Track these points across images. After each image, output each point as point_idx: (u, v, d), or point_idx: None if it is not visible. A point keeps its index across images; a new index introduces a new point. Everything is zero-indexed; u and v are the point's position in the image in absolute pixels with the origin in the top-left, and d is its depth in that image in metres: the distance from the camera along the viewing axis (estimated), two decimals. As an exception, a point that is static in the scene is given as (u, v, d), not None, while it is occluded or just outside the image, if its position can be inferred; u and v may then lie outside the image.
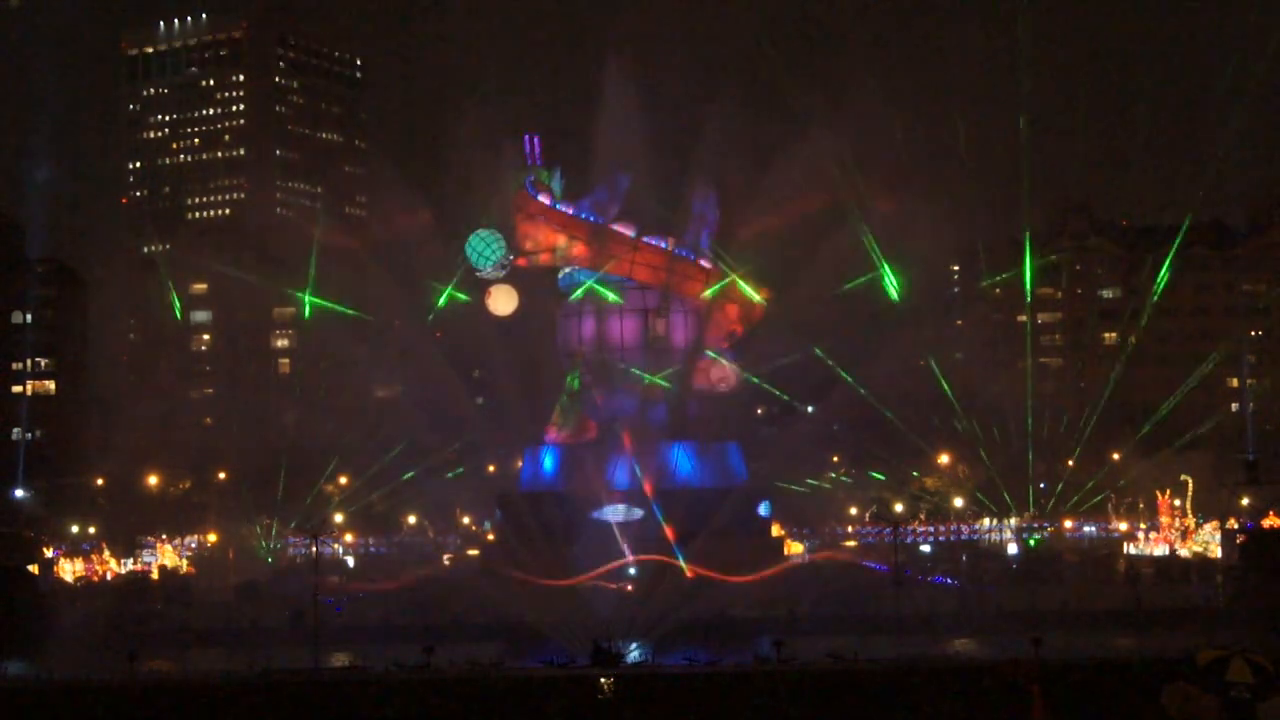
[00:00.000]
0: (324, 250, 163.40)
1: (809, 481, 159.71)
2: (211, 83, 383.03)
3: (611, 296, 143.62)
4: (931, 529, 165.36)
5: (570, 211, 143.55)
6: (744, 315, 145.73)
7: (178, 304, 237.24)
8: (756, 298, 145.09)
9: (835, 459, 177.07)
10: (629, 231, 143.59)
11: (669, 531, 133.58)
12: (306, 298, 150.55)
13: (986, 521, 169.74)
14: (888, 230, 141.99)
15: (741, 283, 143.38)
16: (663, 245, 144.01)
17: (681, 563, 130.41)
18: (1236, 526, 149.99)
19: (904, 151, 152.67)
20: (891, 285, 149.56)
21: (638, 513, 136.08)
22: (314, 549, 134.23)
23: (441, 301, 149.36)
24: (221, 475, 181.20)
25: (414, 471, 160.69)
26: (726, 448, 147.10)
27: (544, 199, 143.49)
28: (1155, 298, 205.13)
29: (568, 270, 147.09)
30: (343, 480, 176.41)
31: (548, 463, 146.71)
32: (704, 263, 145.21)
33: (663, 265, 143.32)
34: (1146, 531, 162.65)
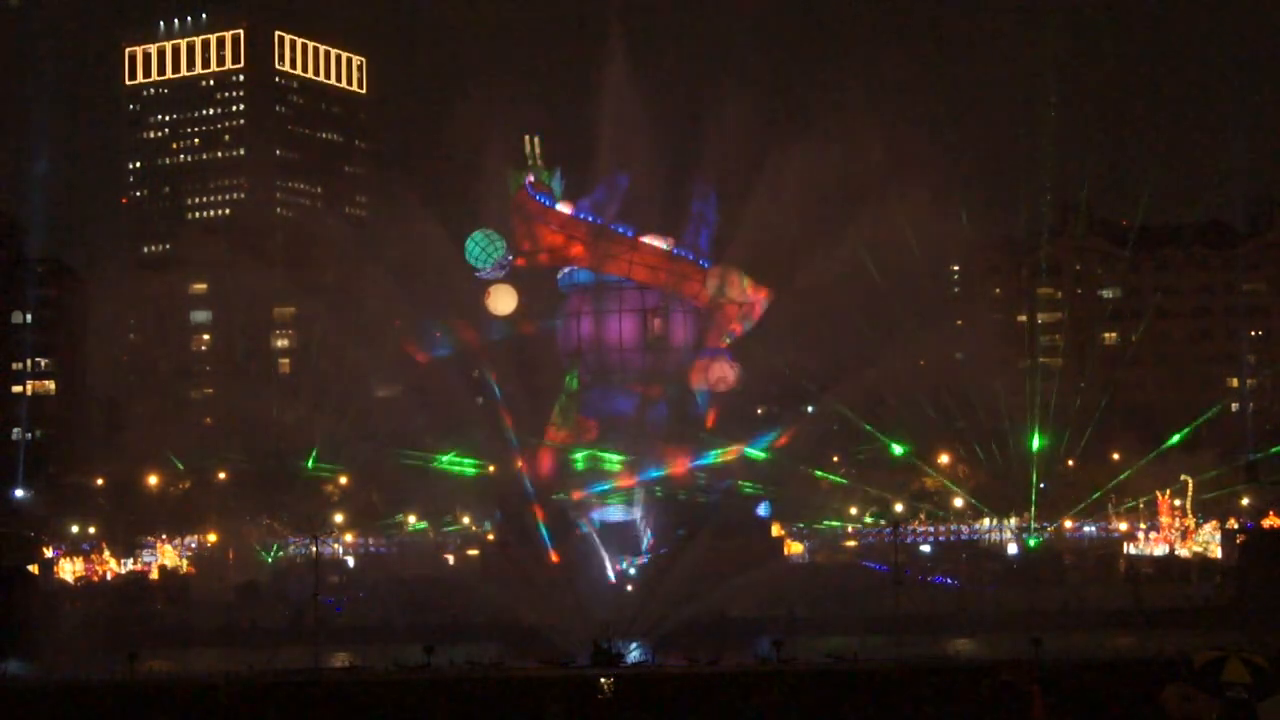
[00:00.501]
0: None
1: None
2: (211, 83, 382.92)
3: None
4: (931, 529, 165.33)
5: (569, 212, 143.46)
6: (742, 315, 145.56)
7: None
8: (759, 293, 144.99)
9: (835, 459, 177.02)
10: (627, 232, 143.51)
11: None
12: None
13: (986, 521, 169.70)
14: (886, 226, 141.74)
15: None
16: (661, 245, 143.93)
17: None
18: (1236, 526, 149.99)
19: (904, 150, 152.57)
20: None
21: (636, 513, 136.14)
22: (314, 549, 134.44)
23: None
24: (221, 475, 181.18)
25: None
26: (725, 448, 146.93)
27: (544, 199, 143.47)
28: (1156, 291, 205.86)
29: (567, 270, 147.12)
30: (343, 480, 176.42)
31: (548, 463, 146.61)
32: (703, 262, 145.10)
33: (661, 265, 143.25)
34: (1146, 531, 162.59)
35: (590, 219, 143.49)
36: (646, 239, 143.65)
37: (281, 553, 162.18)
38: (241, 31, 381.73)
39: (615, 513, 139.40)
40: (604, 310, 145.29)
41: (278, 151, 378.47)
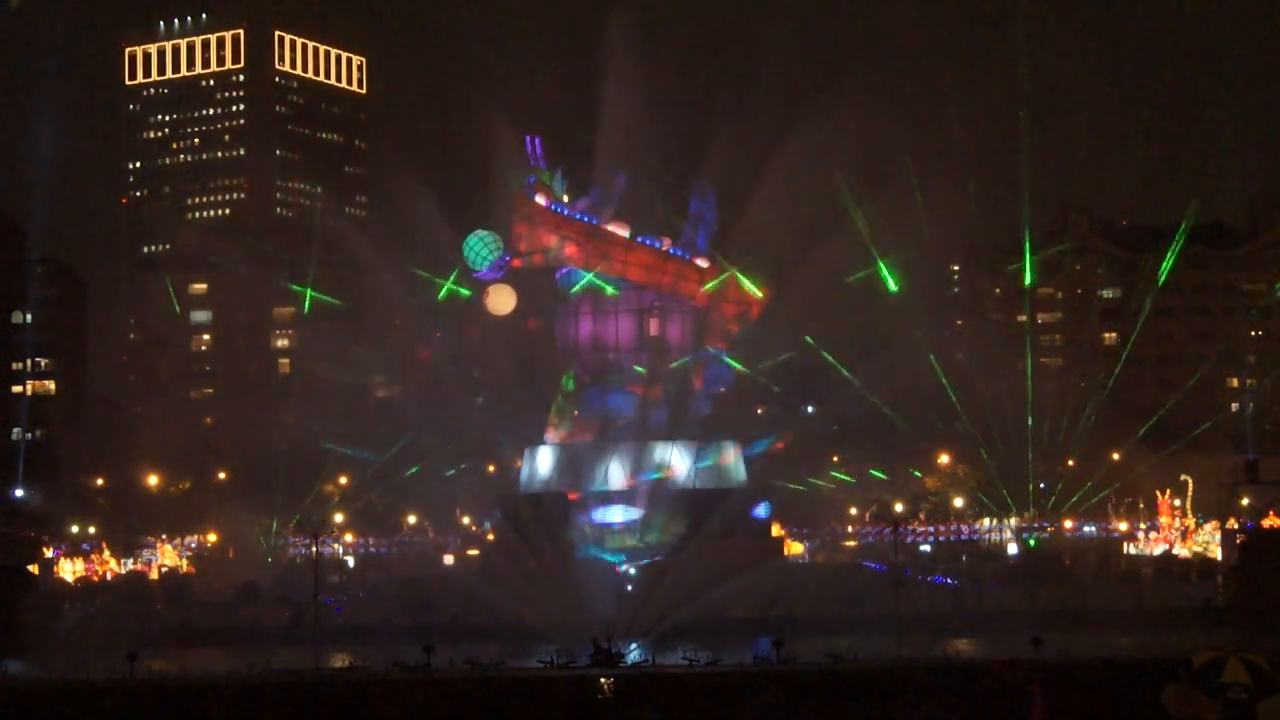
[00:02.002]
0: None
1: (810, 480, 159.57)
2: (211, 83, 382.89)
3: (609, 290, 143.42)
4: (931, 529, 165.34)
5: (566, 213, 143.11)
6: (740, 314, 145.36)
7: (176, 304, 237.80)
8: (757, 293, 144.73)
9: (835, 459, 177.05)
10: (623, 232, 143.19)
11: None
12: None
13: (986, 521, 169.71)
14: (887, 224, 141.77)
15: (741, 277, 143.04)
16: (657, 245, 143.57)
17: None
18: (1236, 526, 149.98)
19: (905, 149, 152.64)
20: (890, 278, 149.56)
21: (635, 513, 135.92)
22: (314, 549, 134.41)
23: (441, 294, 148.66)
24: (221, 475, 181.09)
25: (417, 468, 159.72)
26: (724, 448, 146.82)
27: (544, 200, 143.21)
28: (1156, 291, 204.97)
29: (565, 270, 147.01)
30: (343, 480, 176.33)
31: (547, 463, 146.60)
32: (700, 261, 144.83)
33: (656, 265, 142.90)
34: (1146, 531, 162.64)
35: (588, 219, 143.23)
36: (641, 239, 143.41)
37: (279, 547, 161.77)
38: (241, 31, 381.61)
39: (616, 514, 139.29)
40: (601, 310, 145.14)
41: (278, 151, 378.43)
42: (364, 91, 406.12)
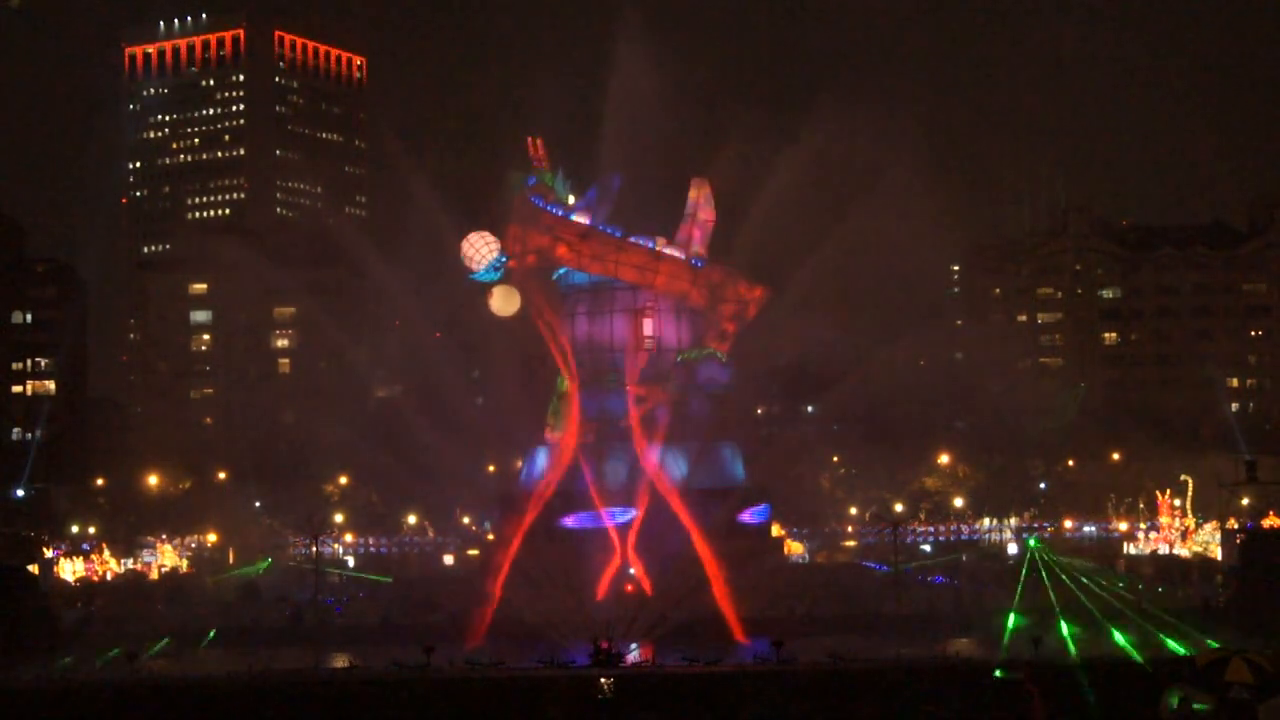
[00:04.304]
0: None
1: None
2: (211, 83, 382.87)
3: None
4: (931, 529, 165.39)
5: (562, 214, 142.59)
6: (738, 314, 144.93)
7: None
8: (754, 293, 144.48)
9: (835, 459, 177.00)
10: (614, 231, 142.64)
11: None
12: None
13: (986, 521, 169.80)
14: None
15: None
16: (651, 245, 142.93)
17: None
18: (1236, 526, 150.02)
19: (905, 148, 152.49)
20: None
21: (633, 513, 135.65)
22: (314, 549, 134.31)
23: None
24: (221, 475, 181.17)
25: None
26: (723, 448, 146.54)
27: (544, 201, 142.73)
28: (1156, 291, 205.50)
29: (563, 270, 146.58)
30: (343, 480, 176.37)
31: (547, 463, 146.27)
32: (696, 261, 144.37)
33: (649, 265, 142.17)
34: (1146, 531, 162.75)
35: (583, 220, 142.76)
36: (634, 239, 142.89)
37: (268, 561, 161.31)
38: (241, 31, 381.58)
39: (614, 514, 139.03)
40: (597, 311, 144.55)
41: (278, 151, 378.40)
42: (364, 92, 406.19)
